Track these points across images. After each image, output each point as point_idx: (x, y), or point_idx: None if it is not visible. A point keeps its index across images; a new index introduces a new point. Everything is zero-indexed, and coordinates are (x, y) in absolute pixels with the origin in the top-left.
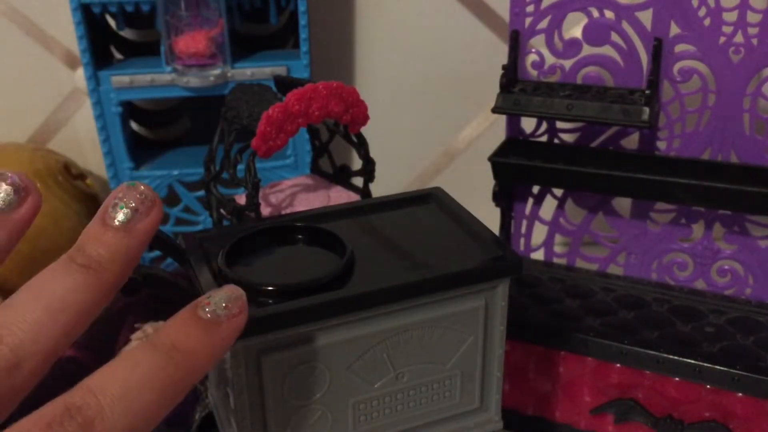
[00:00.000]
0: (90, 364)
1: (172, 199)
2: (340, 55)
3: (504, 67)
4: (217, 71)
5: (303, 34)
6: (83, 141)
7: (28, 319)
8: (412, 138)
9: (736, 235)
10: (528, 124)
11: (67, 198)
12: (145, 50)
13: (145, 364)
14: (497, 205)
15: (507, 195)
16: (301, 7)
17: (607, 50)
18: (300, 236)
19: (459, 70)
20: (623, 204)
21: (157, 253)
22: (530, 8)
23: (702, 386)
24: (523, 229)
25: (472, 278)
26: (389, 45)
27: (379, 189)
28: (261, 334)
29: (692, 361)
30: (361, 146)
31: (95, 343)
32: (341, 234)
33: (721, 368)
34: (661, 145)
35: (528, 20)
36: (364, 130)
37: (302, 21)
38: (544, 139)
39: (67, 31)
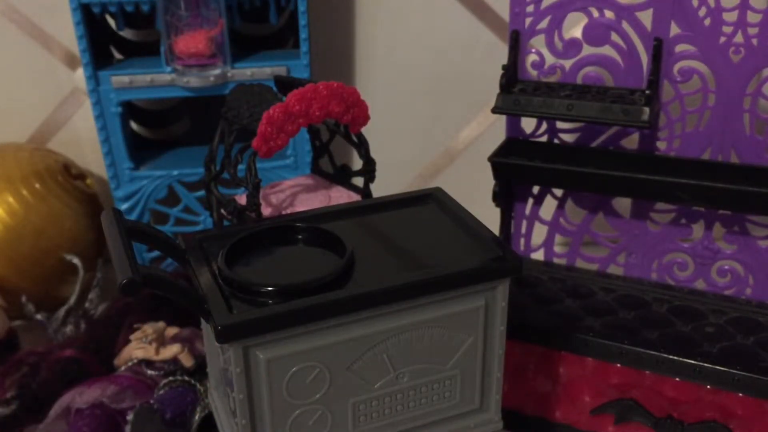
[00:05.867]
0: (90, 364)
1: (172, 199)
2: (340, 55)
3: (504, 67)
4: (217, 71)
5: (303, 34)
6: (83, 141)
7: None
8: (412, 138)
9: (736, 235)
10: (528, 124)
11: (67, 198)
12: (145, 50)
13: None
14: (497, 205)
15: (507, 195)
16: (301, 7)
17: (607, 50)
18: (300, 236)
19: (459, 70)
20: (623, 204)
21: (156, 253)
22: (530, 8)
23: (702, 386)
24: (523, 229)
25: (472, 278)
26: (389, 45)
27: (379, 189)
28: (261, 334)
29: (692, 361)
30: (362, 146)
31: (95, 343)
32: (341, 234)
33: (721, 368)
34: (661, 145)
35: (528, 20)
36: (365, 130)
37: (302, 21)
38: (544, 139)
39: (67, 31)
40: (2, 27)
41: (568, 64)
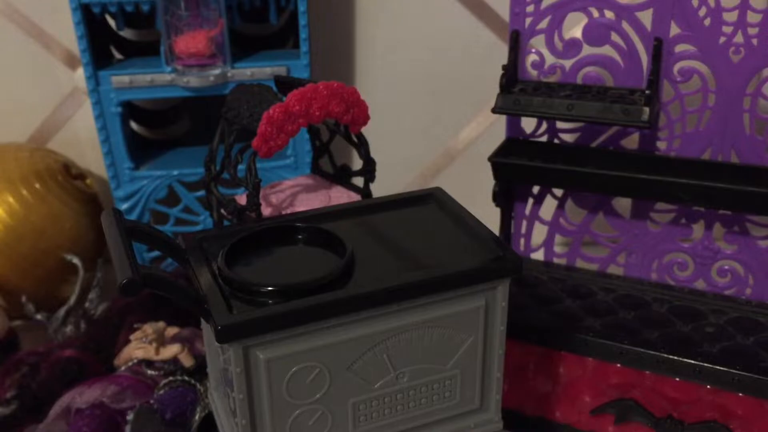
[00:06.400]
0: (90, 364)
1: (172, 199)
2: (340, 55)
3: (504, 67)
4: (217, 71)
5: (303, 34)
6: (83, 141)
7: None
8: (412, 138)
9: (736, 235)
10: (528, 124)
11: (67, 198)
12: (145, 50)
13: None
14: (497, 205)
15: (507, 195)
16: (301, 7)
17: (607, 50)
18: (300, 236)
19: (459, 70)
20: (623, 204)
21: (157, 253)
22: (530, 8)
23: (702, 386)
24: (523, 229)
25: (472, 278)
26: (389, 45)
27: (379, 189)
28: (261, 334)
29: (692, 361)
30: (362, 146)
31: (95, 343)
32: (341, 234)
33: (721, 368)
34: (661, 145)
35: (528, 20)
36: (365, 130)
37: (302, 21)
38: (544, 139)
39: (67, 31)
40: (2, 27)
41: (568, 64)
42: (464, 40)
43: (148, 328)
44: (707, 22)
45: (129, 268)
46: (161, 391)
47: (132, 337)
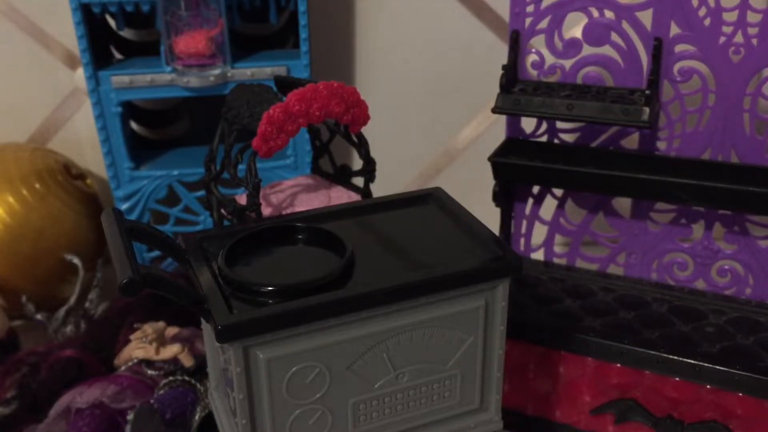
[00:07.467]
0: (90, 364)
1: (172, 199)
2: (340, 55)
3: (504, 67)
4: (217, 71)
5: (303, 34)
6: (83, 141)
7: None
8: (412, 138)
9: (736, 235)
10: (528, 124)
11: (67, 198)
12: (145, 50)
13: None
14: (497, 205)
15: (507, 195)
16: (301, 7)
17: (607, 50)
18: (300, 236)
19: (459, 70)
20: (623, 204)
21: (157, 253)
22: (530, 8)
23: (702, 386)
24: (523, 229)
25: (472, 278)
26: (389, 45)
27: (379, 189)
28: (261, 334)
29: (692, 361)
30: (362, 146)
31: (95, 343)
32: (341, 234)
33: (721, 368)
34: (661, 145)
35: (528, 20)
36: (365, 130)
37: (302, 21)
38: (544, 139)
39: (67, 31)
40: (2, 27)
41: (568, 64)
42: (464, 40)
43: (148, 328)
44: (707, 22)
45: (129, 268)
46: (161, 391)
47: (132, 337)
